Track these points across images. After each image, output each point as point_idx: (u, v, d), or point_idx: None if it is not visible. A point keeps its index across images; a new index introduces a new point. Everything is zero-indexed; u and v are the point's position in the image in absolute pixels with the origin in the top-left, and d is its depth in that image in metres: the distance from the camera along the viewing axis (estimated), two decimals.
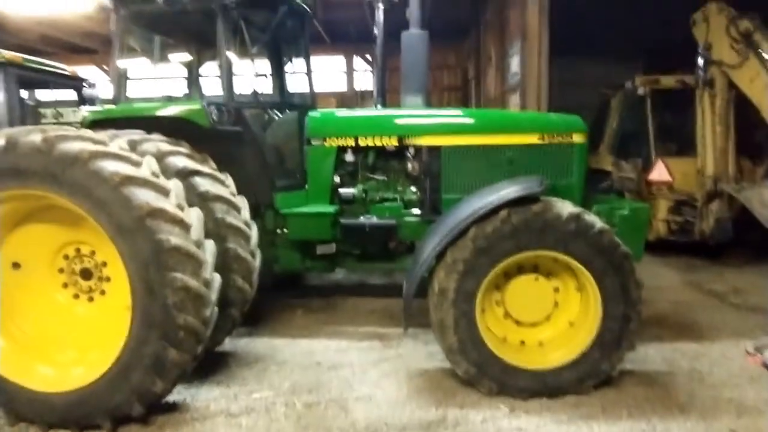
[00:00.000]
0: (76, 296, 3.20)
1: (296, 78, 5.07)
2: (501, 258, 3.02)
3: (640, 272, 3.10)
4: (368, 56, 19.81)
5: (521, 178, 3.41)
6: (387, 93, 4.76)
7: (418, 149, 4.10)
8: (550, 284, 3.25)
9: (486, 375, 3.07)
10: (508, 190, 3.08)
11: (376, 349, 4.01)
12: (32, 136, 2.63)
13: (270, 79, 5.13)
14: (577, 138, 3.97)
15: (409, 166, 4.14)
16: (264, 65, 5.08)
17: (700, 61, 6.11)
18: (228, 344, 3.96)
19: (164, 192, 2.78)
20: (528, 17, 9.36)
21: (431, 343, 3.99)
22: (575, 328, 3.21)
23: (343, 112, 4.49)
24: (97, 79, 8.34)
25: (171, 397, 3.10)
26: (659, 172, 6.70)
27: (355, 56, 20.15)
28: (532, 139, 3.97)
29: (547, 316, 3.27)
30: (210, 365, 3.61)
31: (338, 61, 20.17)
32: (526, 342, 3.30)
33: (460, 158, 4.01)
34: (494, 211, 3.00)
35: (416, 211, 4.15)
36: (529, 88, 9.50)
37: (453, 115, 4.30)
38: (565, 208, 3.02)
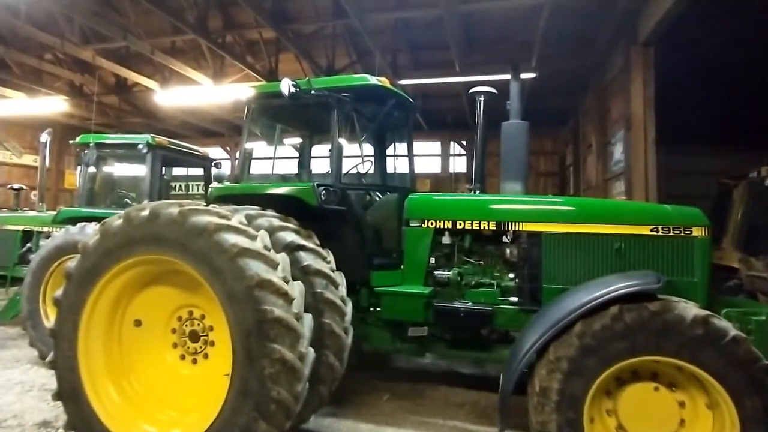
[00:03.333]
0: (183, 357, 3.40)
1: (398, 161, 5.33)
2: (612, 361, 2.72)
3: None
4: (463, 141, 20.47)
5: (634, 272, 3.14)
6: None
7: (517, 235, 4.00)
8: (674, 397, 2.82)
9: None
10: (621, 284, 2.84)
11: None
12: (171, 208, 3.00)
13: (373, 162, 5.45)
14: (698, 232, 3.63)
15: (508, 251, 4.03)
16: (369, 150, 5.44)
17: None
18: (312, 423, 3.89)
19: (273, 265, 2.96)
20: (633, 107, 9.18)
21: None
22: None
23: (442, 196, 4.56)
24: (221, 158, 9.49)
25: None
26: None
27: (450, 141, 20.88)
28: (643, 230, 3.69)
29: None
30: None
31: (434, 145, 21.01)
32: None
33: (563, 246, 3.82)
34: (604, 306, 2.76)
35: (513, 299, 3.96)
36: (634, 176, 9.08)
37: (555, 202, 4.19)
38: (690, 309, 2.69)
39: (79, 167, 6.80)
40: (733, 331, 2.62)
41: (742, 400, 2.57)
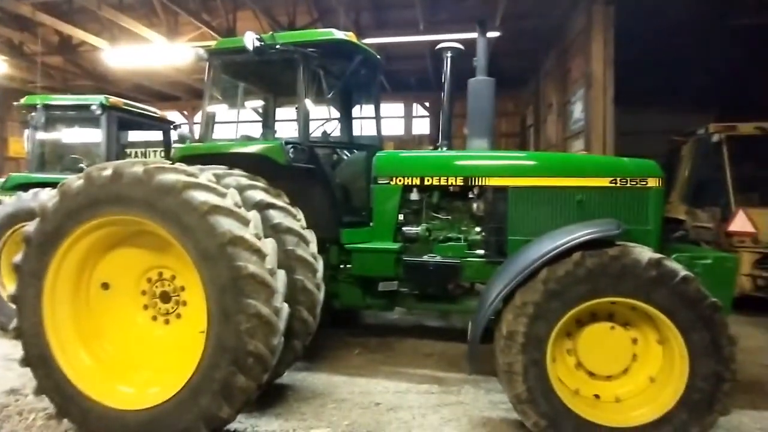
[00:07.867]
0: (154, 318, 3.38)
1: (365, 121, 5.29)
2: (574, 303, 2.89)
3: None
4: (426, 103, 20.41)
5: (596, 221, 3.30)
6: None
7: (483, 190, 4.10)
8: (628, 335, 3.05)
9: (558, 429, 2.88)
10: (583, 232, 2.98)
11: (435, 393, 3.90)
12: (135, 167, 2.90)
13: (340, 121, 5.38)
14: (653, 183, 3.83)
15: (475, 206, 4.14)
16: (336, 109, 5.36)
17: None
18: (287, 377, 3.99)
19: (245, 222, 2.94)
20: (593, 66, 9.36)
21: (493, 391, 3.84)
22: (657, 384, 2.96)
23: (409, 153, 4.60)
24: (179, 122, 9.10)
25: (232, 426, 3.14)
26: (741, 223, 6.26)
27: (414, 103, 20.78)
28: (603, 182, 3.87)
29: (625, 370, 3.05)
30: (269, 397, 3.65)
31: (397, 107, 20.85)
32: (601, 396, 3.08)
33: (527, 199, 3.96)
34: (567, 253, 2.90)
35: (480, 251, 4.10)
36: (593, 135, 9.38)
37: (520, 157, 4.29)
38: (645, 253, 2.87)
39: (26, 131, 6.38)
40: (683, 272, 2.81)
41: (691, 335, 2.78)
